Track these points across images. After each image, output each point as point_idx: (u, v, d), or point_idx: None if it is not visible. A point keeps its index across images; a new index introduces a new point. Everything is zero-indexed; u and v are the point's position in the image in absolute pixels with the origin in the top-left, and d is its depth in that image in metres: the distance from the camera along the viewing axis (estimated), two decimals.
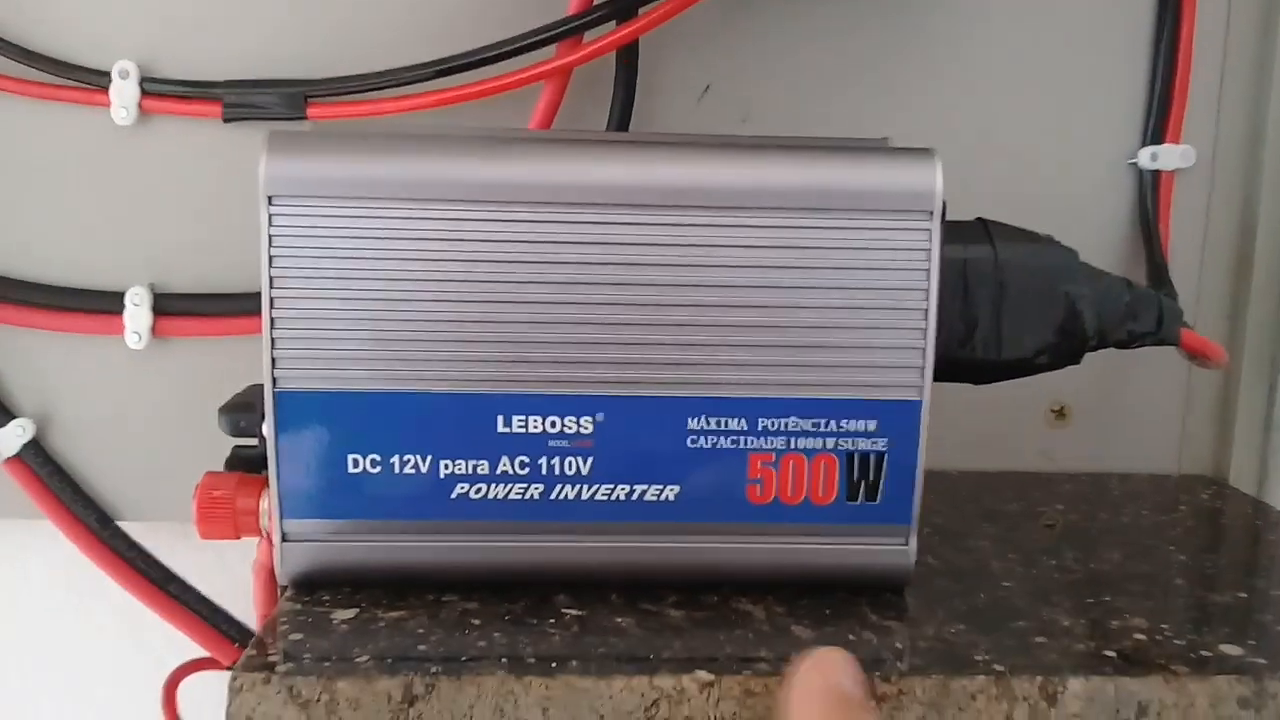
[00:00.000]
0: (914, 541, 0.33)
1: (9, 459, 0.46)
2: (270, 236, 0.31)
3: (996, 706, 0.29)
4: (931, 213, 0.31)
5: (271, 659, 0.29)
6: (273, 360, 0.31)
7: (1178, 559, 0.38)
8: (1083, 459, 0.49)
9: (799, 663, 0.27)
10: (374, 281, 0.31)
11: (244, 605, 0.49)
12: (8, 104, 0.44)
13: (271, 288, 0.31)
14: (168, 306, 0.45)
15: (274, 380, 0.32)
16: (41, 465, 0.46)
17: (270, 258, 0.31)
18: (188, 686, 0.47)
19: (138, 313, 0.45)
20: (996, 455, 0.48)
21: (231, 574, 0.49)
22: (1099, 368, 0.41)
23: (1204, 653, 0.30)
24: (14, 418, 0.46)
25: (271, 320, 0.31)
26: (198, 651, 0.48)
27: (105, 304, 0.45)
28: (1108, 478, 0.48)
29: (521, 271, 0.31)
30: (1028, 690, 0.29)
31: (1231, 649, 0.31)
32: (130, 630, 0.50)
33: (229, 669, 0.48)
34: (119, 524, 0.47)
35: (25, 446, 0.46)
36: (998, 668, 0.29)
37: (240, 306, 0.45)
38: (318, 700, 0.28)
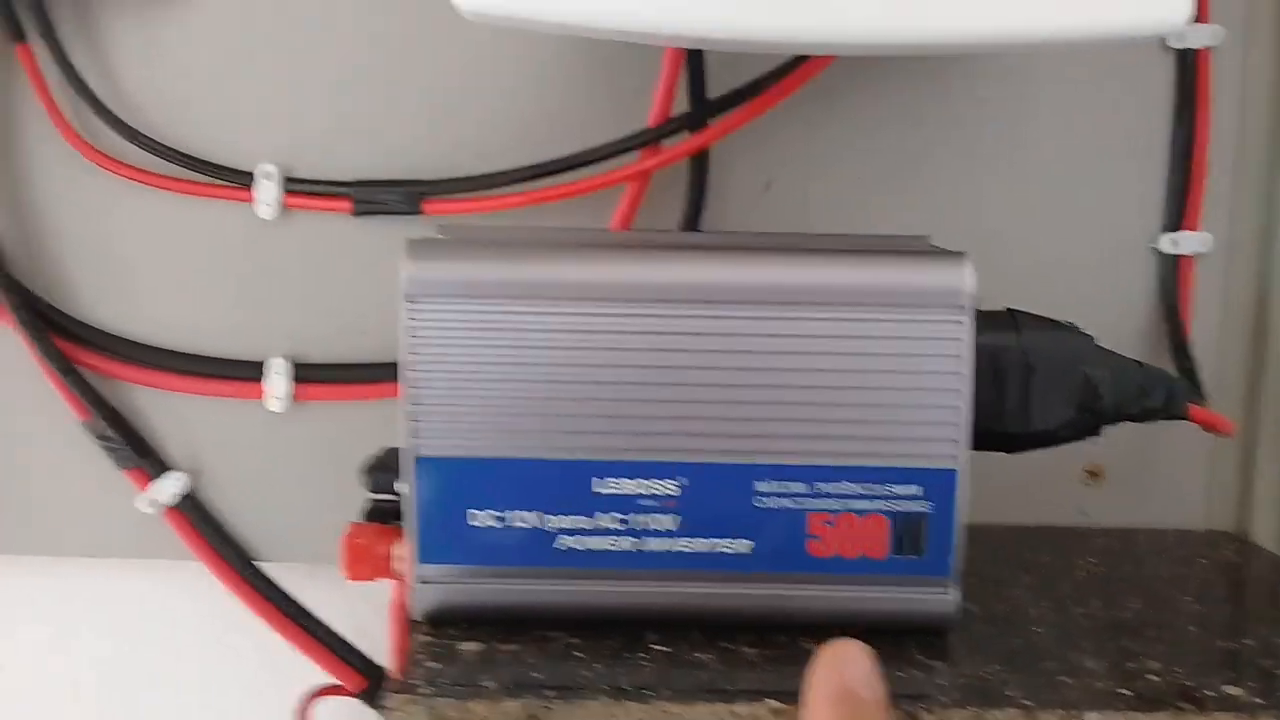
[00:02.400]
0: (954, 591, 0.38)
1: (166, 507, 0.52)
2: (409, 328, 0.37)
3: None
4: (964, 308, 0.37)
5: (415, 684, 0.35)
6: (410, 431, 0.38)
7: (1193, 609, 0.43)
8: (1115, 516, 0.53)
9: (817, 659, 0.31)
10: (494, 367, 0.37)
11: (364, 639, 0.54)
12: (166, 200, 0.51)
13: (410, 371, 0.37)
14: (305, 375, 0.52)
15: (412, 448, 0.38)
16: (193, 513, 0.53)
17: (408, 347, 0.37)
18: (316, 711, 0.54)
19: (279, 380, 0.51)
20: (1036, 512, 0.53)
21: (353, 611, 0.55)
22: (1130, 432, 0.45)
23: (1208, 692, 0.35)
24: (171, 471, 0.52)
25: (409, 398, 0.38)
26: (326, 679, 0.54)
27: (250, 372, 0.52)
28: (1137, 533, 0.52)
29: (619, 358, 0.37)
30: None
31: (1233, 690, 0.35)
32: (263, 659, 0.56)
33: (355, 695, 0.54)
34: (259, 565, 0.53)
35: (181, 497, 0.52)
36: (1026, 702, 0.34)
37: (368, 375, 0.51)
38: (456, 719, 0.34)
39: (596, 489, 0.38)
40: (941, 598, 0.38)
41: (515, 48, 0.49)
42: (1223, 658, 0.38)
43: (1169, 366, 0.50)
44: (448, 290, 0.37)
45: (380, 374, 0.51)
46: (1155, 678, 0.36)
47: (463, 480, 0.38)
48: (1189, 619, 0.42)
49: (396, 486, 0.39)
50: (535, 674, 0.36)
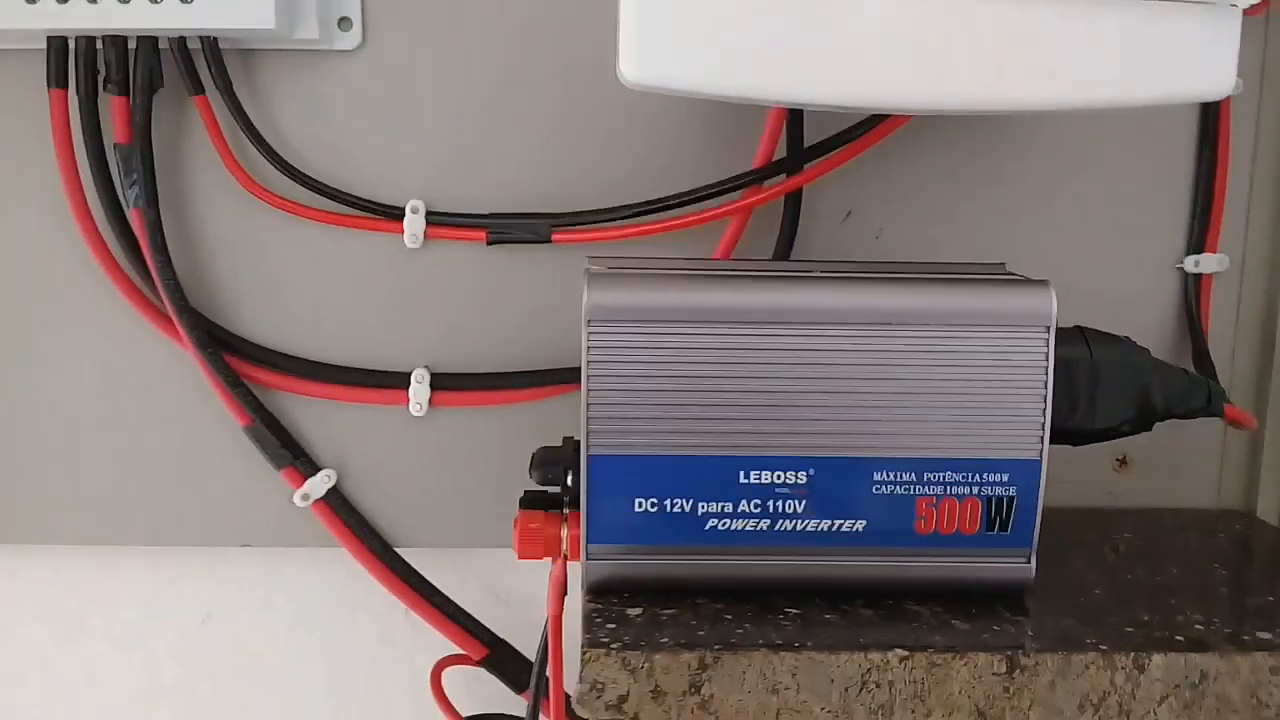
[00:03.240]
0: (1034, 560, 0.46)
1: (316, 501, 0.59)
2: (588, 348, 0.44)
3: (1103, 674, 0.42)
4: (1048, 328, 0.45)
5: (604, 640, 0.42)
6: (587, 433, 0.45)
7: (1221, 573, 0.51)
8: (1139, 497, 0.62)
9: None
10: (658, 379, 0.44)
11: (484, 614, 0.62)
12: (323, 232, 0.58)
13: (589, 382, 0.45)
14: (443, 383, 0.59)
15: (588, 446, 0.45)
16: (340, 505, 0.59)
17: (588, 362, 0.45)
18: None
19: (420, 388, 0.58)
20: (1072, 495, 0.61)
21: (469, 590, 0.63)
22: (1154, 427, 0.54)
23: (1245, 637, 0.43)
24: (320, 469, 0.59)
25: (587, 405, 0.45)
26: (447, 649, 0.61)
27: (394, 381, 0.58)
28: (1161, 512, 0.61)
29: (762, 371, 0.45)
30: (1124, 663, 0.42)
31: (1265, 634, 0.43)
32: (386, 633, 0.64)
33: (478, 664, 0.61)
34: (397, 550, 0.60)
35: (328, 491, 0.59)
36: (1103, 647, 0.42)
37: (500, 383, 0.58)
38: (641, 668, 0.41)
39: (741, 479, 0.45)
40: (1023, 566, 0.46)
41: (634, 99, 0.56)
42: (1254, 610, 0.46)
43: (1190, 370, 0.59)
44: (622, 315, 0.44)
45: (512, 382, 0.58)
46: (1201, 627, 0.44)
47: (628, 473, 0.45)
48: (1219, 582, 0.50)
49: (569, 480, 0.47)
50: (700, 632, 0.43)
